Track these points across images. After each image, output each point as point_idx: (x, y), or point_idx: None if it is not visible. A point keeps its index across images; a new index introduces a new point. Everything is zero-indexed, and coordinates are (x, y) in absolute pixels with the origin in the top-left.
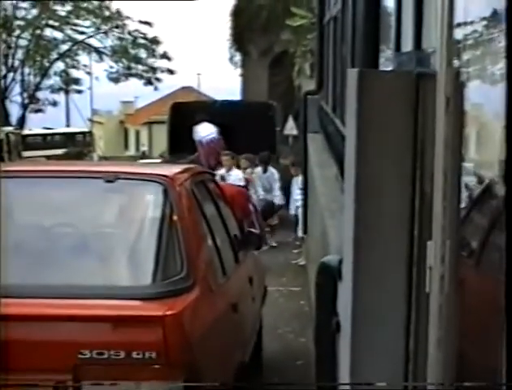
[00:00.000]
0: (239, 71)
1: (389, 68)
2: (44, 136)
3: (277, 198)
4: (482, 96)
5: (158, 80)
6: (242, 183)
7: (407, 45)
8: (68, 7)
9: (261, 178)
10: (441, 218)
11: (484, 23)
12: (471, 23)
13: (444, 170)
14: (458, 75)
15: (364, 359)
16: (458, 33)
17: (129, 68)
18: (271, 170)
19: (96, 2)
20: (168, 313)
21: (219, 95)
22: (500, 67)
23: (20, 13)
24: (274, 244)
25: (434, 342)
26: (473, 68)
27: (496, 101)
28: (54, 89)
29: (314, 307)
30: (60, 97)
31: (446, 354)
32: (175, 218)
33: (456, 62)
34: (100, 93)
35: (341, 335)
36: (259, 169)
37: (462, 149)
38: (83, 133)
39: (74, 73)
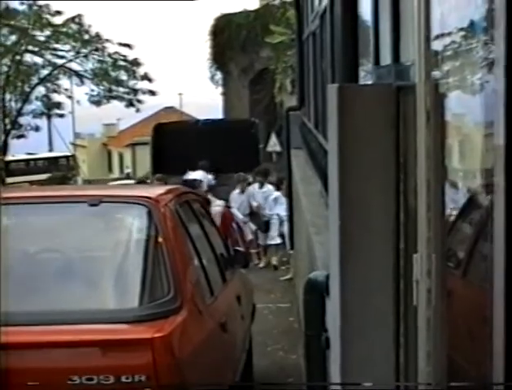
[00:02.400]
0: (220, 89)
1: (370, 82)
2: (27, 161)
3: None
4: (462, 106)
5: (139, 101)
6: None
7: (386, 58)
8: (47, 32)
9: (256, 194)
10: (426, 230)
11: (462, 33)
12: (449, 34)
13: (427, 181)
14: (437, 87)
15: (355, 375)
16: (437, 45)
17: (110, 91)
18: (269, 186)
19: (75, 26)
20: (157, 335)
21: (202, 114)
22: (478, 76)
23: None
24: (261, 265)
25: (423, 356)
26: (452, 79)
27: (477, 111)
28: (35, 114)
29: (303, 324)
30: (42, 122)
31: (436, 367)
32: (160, 239)
33: (436, 74)
34: (82, 117)
35: (331, 352)
36: (255, 185)
37: (445, 160)
38: (66, 157)
39: (55, 97)
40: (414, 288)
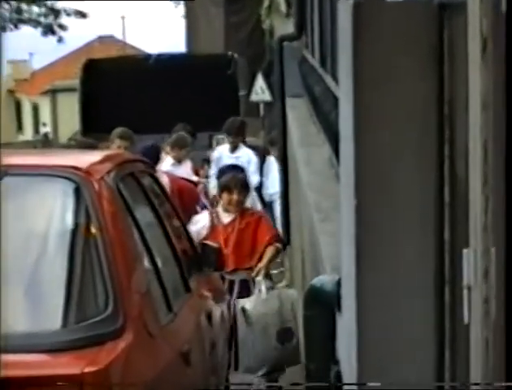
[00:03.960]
0: (182, 9)
1: None
2: None
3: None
4: None
5: (62, 27)
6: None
7: None
8: None
9: (227, 161)
10: (482, 214)
11: None
12: None
13: (483, 142)
14: (499, 6)
15: None
16: None
17: (19, 11)
18: (245, 150)
19: None
20: (88, 369)
21: (154, 46)
22: None
23: None
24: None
25: None
26: None
27: None
28: None
29: (303, 351)
30: None
31: None
32: (93, 230)
33: None
34: None
35: None
36: (225, 148)
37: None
38: None
39: None
40: (465, 297)
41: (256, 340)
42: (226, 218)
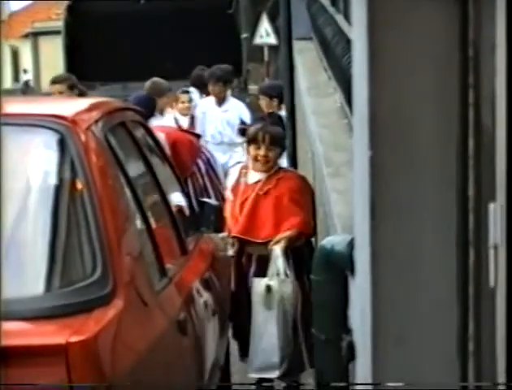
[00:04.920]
0: None
1: None
2: None
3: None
4: None
5: None
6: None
7: None
8: None
9: (213, 116)
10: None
11: None
12: None
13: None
14: None
15: None
16: None
17: None
18: (234, 102)
19: None
20: (74, 339)
21: None
22: None
23: None
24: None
25: (505, 365)
26: None
27: None
28: None
29: (310, 320)
30: None
31: None
32: (79, 185)
33: None
34: None
35: (358, 365)
36: (210, 101)
37: None
38: None
39: None
40: (491, 257)
41: (279, 327)
42: (253, 176)
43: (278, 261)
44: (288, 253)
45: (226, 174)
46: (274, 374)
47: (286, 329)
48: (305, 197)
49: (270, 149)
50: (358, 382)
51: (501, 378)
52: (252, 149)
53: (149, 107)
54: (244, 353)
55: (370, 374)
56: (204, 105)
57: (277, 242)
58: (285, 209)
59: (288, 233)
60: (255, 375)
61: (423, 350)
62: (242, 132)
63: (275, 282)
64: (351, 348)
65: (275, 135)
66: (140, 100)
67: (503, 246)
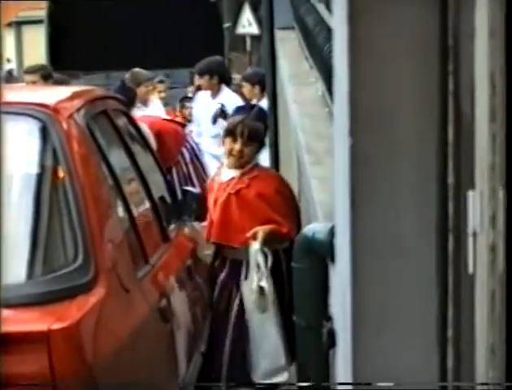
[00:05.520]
0: None
1: None
2: None
3: None
4: None
5: None
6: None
7: None
8: None
9: (208, 109)
10: (489, 153)
11: None
12: None
13: (490, 75)
14: None
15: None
16: None
17: None
18: (228, 93)
19: None
20: (56, 326)
21: None
22: None
23: None
24: None
25: (484, 353)
26: None
27: None
28: None
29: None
30: None
31: (501, 373)
32: (60, 173)
33: None
34: None
35: (338, 352)
36: (205, 94)
37: None
38: None
39: None
40: (470, 244)
41: (278, 326)
42: (226, 174)
43: (257, 256)
44: (267, 251)
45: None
46: (283, 378)
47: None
48: (281, 199)
49: (247, 144)
50: (339, 373)
51: (480, 364)
52: (228, 142)
53: (129, 97)
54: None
55: (351, 361)
56: (200, 98)
57: (254, 236)
58: (261, 214)
59: (267, 227)
60: (263, 381)
61: (403, 337)
62: (214, 119)
63: (267, 284)
64: (332, 335)
65: (254, 129)
66: (119, 89)
67: (482, 233)
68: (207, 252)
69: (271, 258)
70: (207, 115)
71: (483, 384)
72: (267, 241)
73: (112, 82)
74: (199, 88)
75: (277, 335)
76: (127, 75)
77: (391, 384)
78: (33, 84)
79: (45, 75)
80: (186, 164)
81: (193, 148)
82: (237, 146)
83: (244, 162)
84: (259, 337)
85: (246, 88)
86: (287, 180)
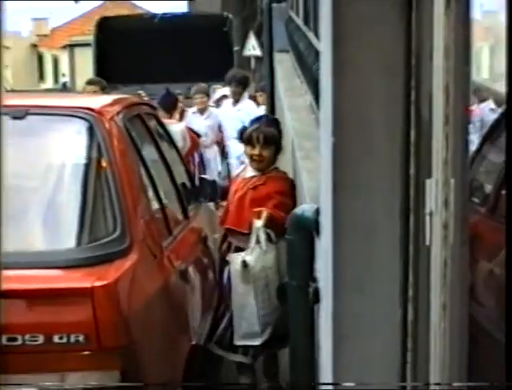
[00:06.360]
0: None
1: None
2: None
3: None
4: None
5: None
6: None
7: None
8: None
9: (229, 115)
10: (443, 148)
11: None
12: None
13: (445, 87)
14: None
15: (351, 336)
16: None
17: None
18: (247, 103)
19: None
20: (98, 283)
21: (160, 7)
22: None
23: None
24: None
25: (437, 309)
26: None
27: None
28: None
29: (284, 272)
30: None
31: (453, 323)
32: (103, 163)
33: None
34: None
35: (321, 306)
36: (228, 103)
37: (471, 63)
38: None
39: None
40: (427, 222)
41: (258, 298)
42: (250, 172)
43: (260, 231)
44: (269, 232)
45: (242, 163)
46: (257, 342)
47: (268, 299)
48: (288, 198)
49: (264, 148)
50: (321, 323)
51: (434, 317)
52: (248, 149)
53: (171, 102)
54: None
55: (331, 314)
56: (224, 106)
57: (259, 214)
58: (268, 207)
59: (270, 211)
60: (240, 343)
61: (374, 297)
62: (240, 135)
63: (251, 257)
64: (316, 293)
65: (268, 135)
66: (163, 96)
67: (437, 214)
68: (215, 236)
69: (273, 234)
70: (230, 121)
71: (436, 384)
72: (269, 223)
73: (145, 91)
74: (225, 97)
75: (255, 306)
76: (195, 88)
77: (352, 384)
78: (94, 93)
79: (103, 87)
80: (194, 165)
81: (201, 154)
82: (256, 151)
83: (264, 165)
84: (241, 305)
85: (261, 97)
86: (293, 182)
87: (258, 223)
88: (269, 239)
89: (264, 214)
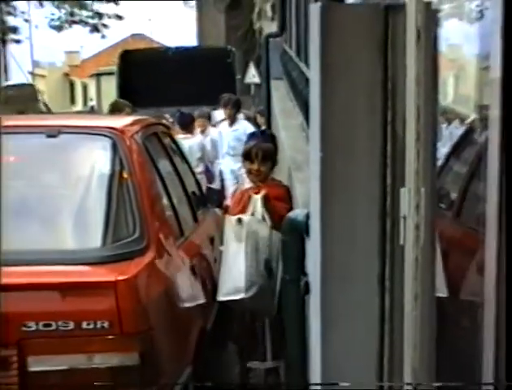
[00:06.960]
0: (194, 15)
1: (357, 1)
2: None
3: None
4: (458, 36)
5: (105, 26)
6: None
7: None
8: None
9: (226, 135)
10: (415, 161)
11: None
12: None
13: (416, 108)
14: (429, 5)
15: (336, 321)
16: None
17: (72, 14)
18: (243, 123)
19: None
20: (120, 278)
21: (173, 42)
22: (477, 3)
23: None
24: None
25: (410, 299)
26: (448, 5)
27: (474, 42)
28: None
29: (280, 267)
30: None
31: (424, 311)
32: (125, 174)
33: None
34: (41, 43)
35: (311, 297)
36: (224, 124)
37: (437, 87)
38: None
39: (11, 21)
40: (402, 225)
41: (247, 258)
42: (247, 184)
43: (257, 203)
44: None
45: (236, 178)
46: (239, 296)
47: (256, 262)
48: (284, 202)
49: (262, 163)
50: (311, 312)
51: (407, 306)
52: (247, 163)
53: (188, 121)
54: None
55: (319, 303)
56: (220, 127)
57: (259, 189)
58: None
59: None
60: (222, 299)
61: (356, 288)
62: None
63: (247, 217)
64: (307, 285)
65: (266, 151)
66: (180, 116)
67: (409, 217)
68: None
69: (268, 218)
70: (226, 139)
71: (418, 384)
72: (267, 200)
73: (161, 114)
74: (224, 119)
75: (243, 264)
76: (197, 114)
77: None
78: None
79: (131, 111)
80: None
81: (207, 166)
82: (255, 166)
83: (262, 178)
84: (229, 265)
85: (262, 118)
86: (289, 190)
87: (257, 196)
88: (263, 219)
89: (262, 192)
